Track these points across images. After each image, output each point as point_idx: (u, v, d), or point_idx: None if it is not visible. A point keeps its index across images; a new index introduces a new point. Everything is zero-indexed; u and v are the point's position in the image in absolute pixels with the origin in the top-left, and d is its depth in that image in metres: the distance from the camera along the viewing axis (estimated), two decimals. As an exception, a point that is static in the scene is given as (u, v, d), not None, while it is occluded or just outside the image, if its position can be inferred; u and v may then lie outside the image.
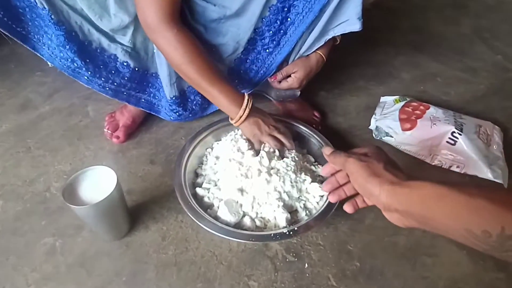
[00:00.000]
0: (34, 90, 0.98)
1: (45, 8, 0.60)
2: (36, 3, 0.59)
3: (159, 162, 0.77)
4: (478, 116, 0.84)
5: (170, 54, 0.62)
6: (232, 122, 0.67)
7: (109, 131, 0.81)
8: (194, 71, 0.62)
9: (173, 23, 0.60)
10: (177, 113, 0.80)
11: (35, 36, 0.64)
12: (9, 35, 0.60)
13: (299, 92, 0.86)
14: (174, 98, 0.77)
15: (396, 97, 0.88)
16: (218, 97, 0.64)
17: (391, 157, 0.45)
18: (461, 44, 1.23)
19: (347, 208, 0.47)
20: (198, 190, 0.66)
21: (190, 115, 0.82)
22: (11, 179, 0.73)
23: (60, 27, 0.62)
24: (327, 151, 0.49)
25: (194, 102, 0.81)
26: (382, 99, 0.91)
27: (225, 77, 0.66)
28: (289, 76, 0.77)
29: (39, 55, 0.66)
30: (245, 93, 0.66)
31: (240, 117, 0.65)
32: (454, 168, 0.75)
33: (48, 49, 0.65)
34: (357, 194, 0.47)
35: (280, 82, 0.77)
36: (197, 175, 0.71)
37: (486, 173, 0.70)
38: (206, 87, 0.64)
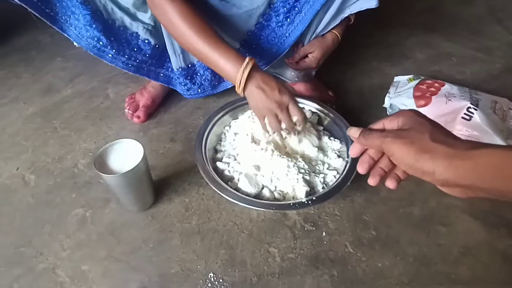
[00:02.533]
0: (56, 75, 1.01)
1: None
2: (64, -15, 0.62)
3: (179, 140, 0.80)
4: (494, 94, 0.84)
5: (171, 25, 0.62)
6: (236, 88, 0.63)
7: (130, 111, 0.84)
8: (194, 37, 0.60)
9: None
10: (185, 86, 0.82)
11: (63, 17, 0.66)
12: (39, 16, 0.63)
13: (314, 72, 0.87)
14: (180, 69, 0.79)
15: (410, 76, 0.89)
16: (218, 62, 0.61)
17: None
18: (475, 24, 1.22)
19: (391, 184, 0.38)
20: (218, 164, 0.69)
21: (199, 90, 0.84)
22: (41, 156, 0.77)
23: (86, 6, 0.65)
24: (354, 132, 0.39)
25: (204, 77, 0.82)
26: (396, 78, 0.92)
27: (226, 43, 0.62)
28: (306, 56, 0.78)
29: (66, 35, 0.69)
30: (248, 56, 0.61)
31: (240, 82, 0.60)
32: (469, 143, 0.76)
33: (75, 30, 0.68)
34: (395, 166, 0.39)
35: (297, 62, 0.79)
36: (216, 151, 0.74)
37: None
38: (206, 52, 0.61)
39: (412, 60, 1.05)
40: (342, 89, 0.95)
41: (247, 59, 0.60)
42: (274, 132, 0.66)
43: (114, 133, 0.82)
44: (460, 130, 0.75)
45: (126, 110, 0.85)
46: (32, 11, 0.62)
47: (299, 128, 0.65)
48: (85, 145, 0.79)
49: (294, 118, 0.62)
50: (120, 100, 0.90)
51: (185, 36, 0.61)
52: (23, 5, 0.60)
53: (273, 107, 0.61)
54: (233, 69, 0.60)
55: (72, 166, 0.74)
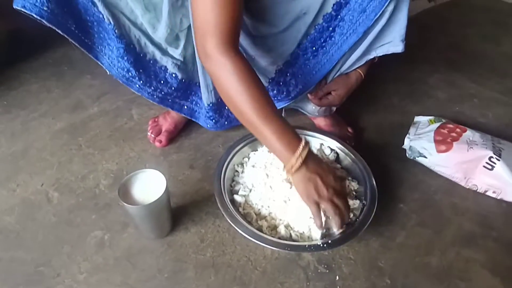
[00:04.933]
0: (84, 92, 1.06)
1: (110, 23, 0.66)
2: (104, 18, 0.65)
3: (198, 167, 0.81)
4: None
5: (223, 82, 0.57)
6: (284, 171, 0.59)
7: (152, 135, 0.87)
8: (247, 103, 0.55)
9: (232, 50, 0.56)
10: (213, 120, 0.84)
11: (99, 46, 0.70)
12: (77, 45, 0.67)
13: (335, 108, 0.88)
14: (211, 105, 0.81)
15: (431, 117, 0.88)
16: (271, 138, 0.55)
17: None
18: (500, 64, 1.21)
19: None
20: (236, 197, 0.70)
21: (226, 122, 0.86)
22: (65, 173, 0.79)
23: (121, 40, 0.68)
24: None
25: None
26: (416, 118, 0.91)
27: (281, 116, 0.57)
28: (329, 93, 0.79)
29: (99, 63, 0.72)
30: (302, 138, 0.57)
31: (292, 166, 0.55)
32: (489, 193, 0.75)
33: (108, 59, 0.71)
34: None
35: (320, 99, 0.80)
36: (234, 182, 0.75)
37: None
38: (258, 124, 0.55)
39: (434, 99, 1.05)
40: (361, 125, 0.95)
41: (303, 142, 0.56)
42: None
43: (136, 155, 0.84)
44: (481, 178, 0.74)
45: (149, 133, 0.87)
46: (72, 41, 0.66)
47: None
48: (108, 165, 0.81)
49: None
50: (144, 122, 0.93)
51: (236, 98, 0.56)
52: (65, 35, 0.63)
53: (330, 194, 0.56)
54: (287, 151, 0.55)
55: (94, 186, 0.76)
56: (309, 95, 0.82)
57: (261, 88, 0.57)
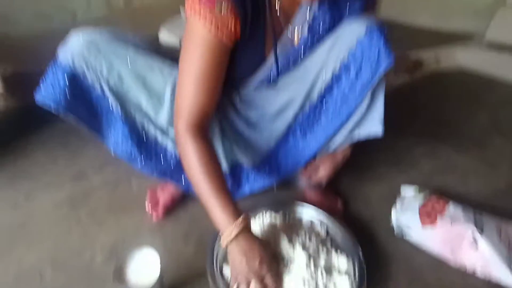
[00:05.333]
0: (88, 161, 1.11)
1: (118, 112, 0.74)
2: (113, 107, 0.74)
3: (192, 242, 0.83)
4: (499, 214, 0.86)
5: (186, 159, 0.66)
6: (221, 239, 0.63)
7: (150, 207, 0.90)
8: (202, 178, 0.64)
9: (199, 133, 0.66)
10: None
11: (106, 129, 0.77)
12: (88, 129, 0.74)
13: (325, 182, 0.93)
14: None
15: (416, 189, 0.93)
16: (216, 210, 0.62)
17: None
18: (480, 136, 1.30)
19: None
20: (226, 272, 0.71)
21: None
22: (62, 248, 0.81)
23: (127, 124, 0.75)
24: None
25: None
26: (403, 190, 0.96)
27: (230, 193, 0.65)
28: (318, 170, 0.85)
29: (105, 144, 0.79)
30: (244, 214, 0.64)
31: (227, 236, 0.61)
32: (478, 273, 0.76)
33: (114, 141, 0.77)
34: None
35: (309, 176, 0.85)
36: (226, 260, 0.76)
37: (510, 279, 0.71)
38: (208, 196, 0.63)
39: (419, 169, 1.11)
40: (349, 195, 0.99)
41: (241, 218, 0.62)
42: None
43: (133, 227, 0.87)
44: (467, 258, 0.77)
45: (146, 204, 0.91)
46: (81, 125, 0.73)
47: None
48: (105, 239, 0.84)
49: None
50: (142, 193, 0.97)
51: (195, 172, 0.65)
52: (76, 122, 0.71)
53: (249, 276, 0.60)
54: (225, 221, 0.61)
55: (89, 261, 0.78)
56: (299, 171, 0.87)
57: (216, 168, 0.67)
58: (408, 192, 0.93)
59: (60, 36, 1.89)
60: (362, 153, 1.13)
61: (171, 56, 0.77)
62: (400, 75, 1.69)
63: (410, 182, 1.01)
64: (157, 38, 0.84)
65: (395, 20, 2.80)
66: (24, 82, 1.17)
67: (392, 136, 1.24)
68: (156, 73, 0.74)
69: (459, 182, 1.06)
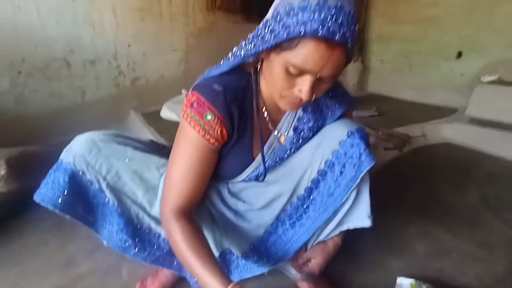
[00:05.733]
0: (79, 246, 1.10)
1: (114, 204, 0.77)
2: (109, 201, 0.76)
3: None
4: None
5: (173, 240, 0.68)
6: None
7: (139, 299, 0.87)
8: (189, 256, 0.65)
9: (184, 217, 0.69)
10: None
11: (100, 222, 0.79)
12: (82, 223, 0.76)
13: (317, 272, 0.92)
14: None
15: (412, 281, 0.91)
16: (204, 275, 0.63)
17: None
18: (470, 214, 1.31)
19: None
20: None
21: None
22: None
23: (122, 216, 0.77)
24: None
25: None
26: (399, 281, 0.94)
27: (217, 262, 0.67)
28: (309, 261, 0.85)
29: (98, 235, 0.80)
30: (235, 282, 0.62)
31: None
32: None
33: (108, 232, 0.79)
34: None
35: (301, 266, 0.84)
36: None
37: None
38: (196, 272, 0.64)
39: (413, 254, 1.10)
40: (344, 284, 0.96)
41: (232, 284, 0.61)
42: None
43: (118, 324, 0.83)
44: None
45: (135, 297, 0.88)
46: (77, 220, 0.75)
47: None
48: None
49: None
50: (133, 281, 0.94)
51: (182, 251, 0.66)
52: (72, 218, 0.73)
53: None
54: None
55: None
56: (290, 261, 0.87)
57: (203, 242, 0.69)
58: (405, 286, 0.91)
59: (69, 113, 2.03)
60: (354, 238, 1.13)
61: (167, 155, 0.82)
62: (390, 151, 1.76)
63: (405, 268, 1.00)
64: (154, 140, 0.90)
65: (383, 94, 3.02)
66: (28, 165, 1.22)
67: (383, 217, 1.25)
68: (152, 170, 0.78)
69: (457, 268, 1.03)
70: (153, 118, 2.07)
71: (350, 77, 3.05)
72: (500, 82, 2.20)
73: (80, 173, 0.74)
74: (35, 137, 1.71)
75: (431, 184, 1.54)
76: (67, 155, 0.73)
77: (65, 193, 0.71)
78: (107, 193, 0.76)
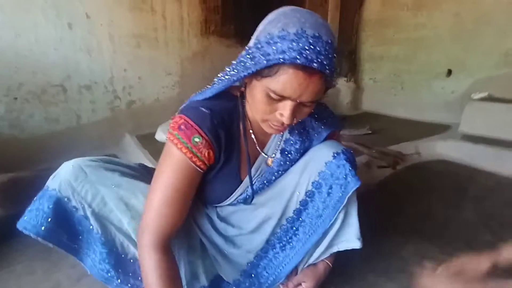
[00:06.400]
0: (65, 273, 1.07)
1: (98, 232, 0.76)
2: (93, 229, 0.75)
3: None
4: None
5: (145, 269, 0.68)
6: None
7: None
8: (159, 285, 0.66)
9: (160, 248, 0.69)
10: None
11: (85, 250, 0.77)
12: (66, 251, 0.74)
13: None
14: None
15: (407, 304, 0.88)
16: None
17: None
18: (467, 232, 1.28)
19: None
20: None
21: None
22: None
23: (106, 245, 0.76)
24: None
25: None
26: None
27: None
28: (300, 284, 0.83)
29: (82, 264, 0.78)
30: None
31: None
32: None
33: (91, 261, 0.77)
34: None
35: (291, 292, 0.82)
36: None
37: None
38: None
39: (409, 276, 1.07)
40: (340, 310, 0.93)
41: None
42: None
43: None
44: None
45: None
46: (60, 248, 0.73)
47: None
48: None
49: None
50: (118, 311, 0.91)
51: (152, 280, 0.66)
52: (55, 246, 0.72)
53: None
54: None
55: None
56: (281, 286, 0.84)
57: (173, 279, 0.68)
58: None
59: (64, 137, 2.03)
60: (348, 260, 1.11)
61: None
62: (384, 169, 1.76)
63: (402, 292, 0.97)
64: (144, 165, 0.91)
65: (376, 112, 3.05)
66: (18, 191, 1.21)
67: (378, 237, 1.24)
68: (139, 196, 0.78)
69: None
70: (148, 141, 2.07)
71: (343, 96, 3.10)
72: (490, 98, 2.23)
73: (66, 199, 0.73)
74: (30, 161, 1.71)
75: (427, 201, 1.52)
76: (53, 181, 0.73)
77: (49, 221, 0.70)
78: (92, 220, 0.75)
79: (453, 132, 2.26)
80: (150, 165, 1.74)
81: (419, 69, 2.74)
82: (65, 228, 0.73)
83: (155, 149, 1.96)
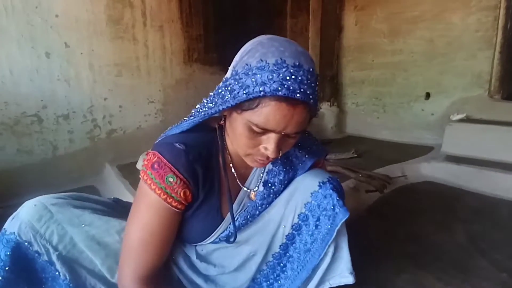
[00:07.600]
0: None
1: (66, 278, 0.68)
2: (60, 275, 0.67)
3: None
4: None
5: None
6: None
7: None
8: None
9: (142, 285, 0.64)
10: None
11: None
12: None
13: None
14: None
15: None
16: None
17: None
18: (460, 257, 1.25)
19: None
20: None
21: None
22: None
23: (75, 292, 0.68)
24: None
25: None
26: None
27: None
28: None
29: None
30: None
31: None
32: None
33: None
34: None
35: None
36: None
37: None
38: None
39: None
40: None
41: None
42: None
43: None
44: None
45: None
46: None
47: None
48: None
49: None
50: None
51: None
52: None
53: None
54: None
55: None
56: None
57: None
58: None
59: (39, 169, 1.94)
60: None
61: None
62: (372, 193, 1.73)
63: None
64: (119, 199, 0.85)
65: (360, 135, 3.09)
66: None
67: (371, 265, 1.18)
68: (113, 234, 0.71)
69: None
70: (129, 170, 1.99)
71: (328, 121, 3.12)
72: (468, 120, 2.30)
73: (26, 244, 0.66)
74: (0, 196, 1.60)
75: (417, 224, 1.49)
76: (11, 224, 0.65)
77: (6, 269, 0.62)
78: (58, 265, 0.67)
79: (437, 153, 2.29)
80: (130, 195, 1.66)
81: (399, 92, 2.82)
82: (26, 277, 0.65)
83: (136, 179, 1.87)
